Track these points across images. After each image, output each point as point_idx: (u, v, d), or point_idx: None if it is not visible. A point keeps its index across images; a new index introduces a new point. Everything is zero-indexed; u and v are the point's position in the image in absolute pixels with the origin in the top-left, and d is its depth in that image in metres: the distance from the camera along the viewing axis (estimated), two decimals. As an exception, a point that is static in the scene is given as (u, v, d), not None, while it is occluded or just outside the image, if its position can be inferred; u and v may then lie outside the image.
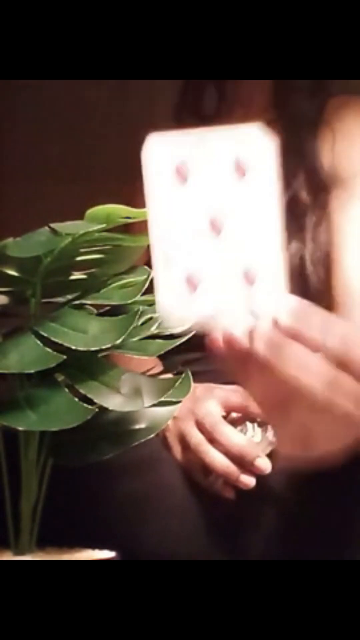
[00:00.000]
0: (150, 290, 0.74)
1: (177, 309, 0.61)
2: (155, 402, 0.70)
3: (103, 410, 0.68)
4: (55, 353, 0.67)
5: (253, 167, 0.61)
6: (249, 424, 0.90)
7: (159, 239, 0.62)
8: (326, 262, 1.08)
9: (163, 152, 0.60)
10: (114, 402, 0.69)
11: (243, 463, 0.87)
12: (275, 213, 0.61)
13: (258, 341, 0.56)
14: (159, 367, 0.91)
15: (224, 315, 0.60)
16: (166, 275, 0.61)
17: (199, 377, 0.94)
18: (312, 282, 1.06)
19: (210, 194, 0.60)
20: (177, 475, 0.92)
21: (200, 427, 0.90)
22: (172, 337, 0.74)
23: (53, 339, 0.67)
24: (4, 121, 1.66)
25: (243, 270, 0.60)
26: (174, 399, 0.73)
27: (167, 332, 0.75)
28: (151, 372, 0.77)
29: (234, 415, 0.92)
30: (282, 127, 1.15)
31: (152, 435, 0.73)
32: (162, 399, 0.70)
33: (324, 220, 1.08)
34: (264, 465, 0.86)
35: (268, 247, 0.60)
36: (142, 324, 0.73)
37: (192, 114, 1.26)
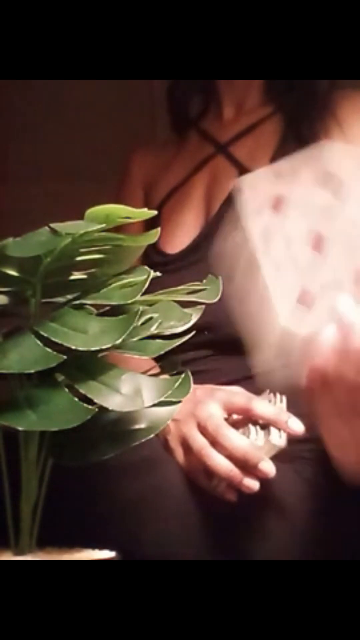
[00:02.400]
0: (150, 290, 0.75)
1: (295, 325, 0.64)
2: (155, 402, 0.70)
3: (103, 410, 0.68)
4: (55, 353, 0.67)
5: (344, 180, 0.63)
6: (251, 427, 0.89)
7: (267, 265, 0.66)
8: None
9: (257, 190, 0.62)
10: (114, 402, 0.69)
11: (247, 466, 0.86)
12: None
13: None
14: (159, 367, 0.91)
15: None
16: (281, 297, 0.65)
17: (198, 377, 0.94)
18: None
19: (307, 215, 0.63)
20: (177, 476, 0.92)
21: (203, 430, 0.90)
22: (172, 337, 0.74)
23: (53, 339, 0.67)
24: (4, 121, 1.66)
25: (354, 276, 0.63)
26: (173, 399, 0.73)
27: (167, 332, 0.75)
28: (151, 372, 0.77)
29: (234, 417, 0.92)
30: (280, 121, 1.16)
31: (152, 435, 0.73)
32: (162, 399, 0.70)
33: None
34: (268, 468, 0.86)
35: None
36: (142, 324, 0.73)
37: (181, 116, 1.26)
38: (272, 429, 0.88)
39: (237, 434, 0.88)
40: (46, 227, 0.69)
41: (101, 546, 0.75)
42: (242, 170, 1.14)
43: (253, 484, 0.86)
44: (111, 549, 0.74)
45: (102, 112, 1.68)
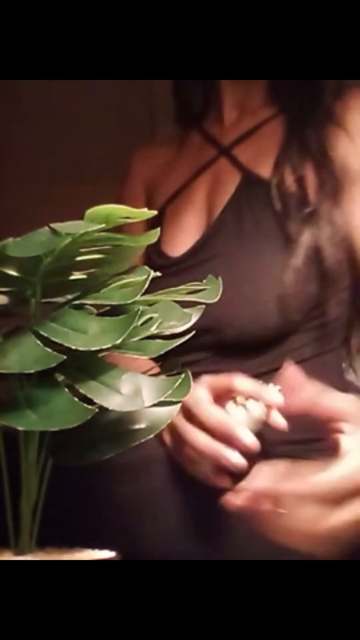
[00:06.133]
0: (150, 290, 0.75)
1: None
2: (155, 402, 0.70)
3: (103, 410, 0.68)
4: (55, 353, 0.67)
5: None
6: (234, 403, 0.88)
7: None
8: (344, 245, 1.08)
9: None
10: (114, 402, 0.69)
11: (230, 441, 0.84)
12: None
13: None
14: (159, 367, 0.91)
15: None
16: None
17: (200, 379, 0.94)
18: (329, 264, 1.06)
19: None
20: (177, 476, 0.92)
21: (188, 414, 0.88)
22: (172, 337, 0.74)
23: (53, 339, 0.67)
24: (4, 121, 1.66)
25: None
26: (174, 399, 0.73)
27: (167, 332, 0.75)
28: (151, 372, 0.77)
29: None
30: (283, 123, 1.16)
31: (152, 436, 0.73)
32: (162, 399, 0.70)
33: (339, 205, 1.09)
34: (249, 439, 0.83)
35: None
36: (142, 324, 0.73)
37: (185, 115, 1.27)
38: (251, 403, 0.86)
39: (217, 409, 0.86)
40: (46, 227, 0.68)
41: (101, 546, 0.75)
42: (246, 173, 1.14)
43: (238, 460, 0.83)
44: (111, 549, 0.74)
45: (101, 113, 1.68)
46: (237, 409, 0.87)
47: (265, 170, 1.13)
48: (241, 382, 0.88)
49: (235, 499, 0.77)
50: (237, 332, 1.06)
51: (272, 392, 0.86)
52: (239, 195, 1.13)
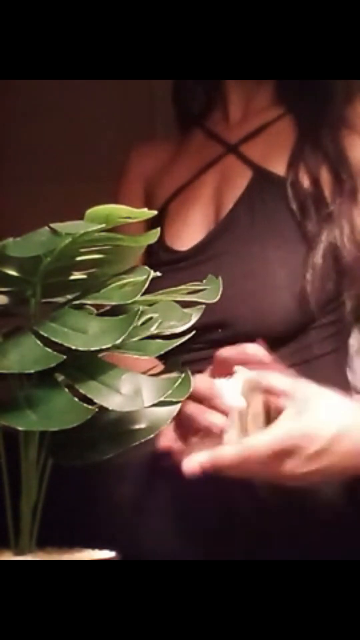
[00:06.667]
0: (150, 290, 0.75)
1: None
2: (155, 402, 0.70)
3: (103, 410, 0.68)
4: (55, 353, 0.67)
5: None
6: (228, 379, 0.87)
7: None
8: None
9: None
10: (114, 402, 0.69)
11: (213, 402, 0.82)
12: None
13: None
14: (159, 367, 0.91)
15: None
16: None
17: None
18: (347, 262, 1.07)
19: None
20: (178, 475, 0.92)
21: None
22: (172, 337, 0.74)
23: (53, 339, 0.67)
24: (4, 121, 1.66)
25: None
26: (174, 399, 0.73)
27: (167, 332, 0.75)
28: (151, 372, 0.77)
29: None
30: (292, 123, 1.16)
31: (152, 435, 0.73)
32: (162, 399, 0.70)
33: (357, 205, 1.09)
34: (237, 402, 0.81)
35: None
36: (142, 324, 0.73)
37: (186, 115, 1.27)
38: (239, 370, 0.85)
39: (206, 377, 0.85)
40: (46, 227, 0.69)
41: (101, 546, 0.75)
42: (257, 170, 1.14)
43: (215, 418, 0.81)
44: (111, 549, 0.74)
45: (101, 112, 1.67)
46: (227, 378, 0.86)
47: (277, 167, 1.13)
48: (224, 350, 0.86)
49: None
50: (252, 326, 1.06)
51: (254, 347, 0.85)
52: (251, 191, 1.13)
